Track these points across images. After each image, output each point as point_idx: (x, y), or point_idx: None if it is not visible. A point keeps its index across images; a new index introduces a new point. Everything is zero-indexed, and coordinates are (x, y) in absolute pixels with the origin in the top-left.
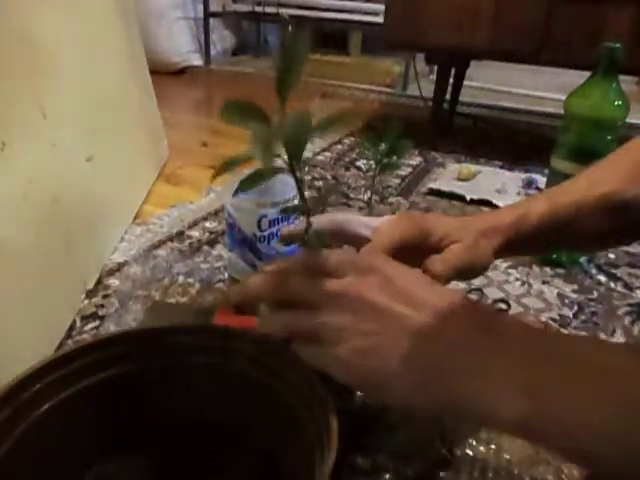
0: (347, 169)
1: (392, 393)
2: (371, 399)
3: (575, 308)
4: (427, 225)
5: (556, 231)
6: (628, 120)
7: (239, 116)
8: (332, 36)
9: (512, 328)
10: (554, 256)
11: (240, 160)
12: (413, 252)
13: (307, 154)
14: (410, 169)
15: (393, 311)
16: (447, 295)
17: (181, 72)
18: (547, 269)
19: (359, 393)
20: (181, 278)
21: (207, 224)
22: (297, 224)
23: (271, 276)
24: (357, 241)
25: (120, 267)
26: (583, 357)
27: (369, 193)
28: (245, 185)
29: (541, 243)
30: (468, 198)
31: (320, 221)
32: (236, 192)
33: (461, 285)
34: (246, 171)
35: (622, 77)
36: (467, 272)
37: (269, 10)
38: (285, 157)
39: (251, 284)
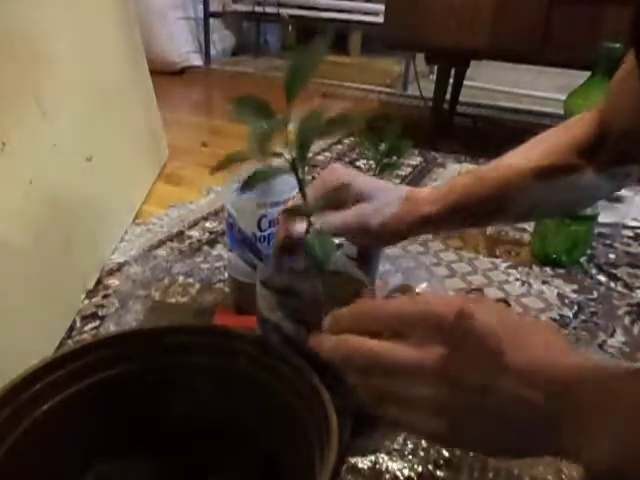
0: None
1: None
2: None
3: (575, 308)
4: (366, 217)
5: (477, 206)
6: None
7: (248, 111)
8: (332, 36)
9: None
10: (554, 256)
11: (240, 157)
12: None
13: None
14: (410, 169)
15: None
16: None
17: (181, 72)
18: (547, 269)
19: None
20: (181, 278)
21: (207, 224)
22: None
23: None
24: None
25: (120, 267)
26: None
27: None
28: (248, 185)
29: (463, 217)
30: None
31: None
32: (239, 192)
33: (461, 285)
34: (246, 169)
35: None
36: (362, 234)
37: (269, 10)
38: (287, 156)
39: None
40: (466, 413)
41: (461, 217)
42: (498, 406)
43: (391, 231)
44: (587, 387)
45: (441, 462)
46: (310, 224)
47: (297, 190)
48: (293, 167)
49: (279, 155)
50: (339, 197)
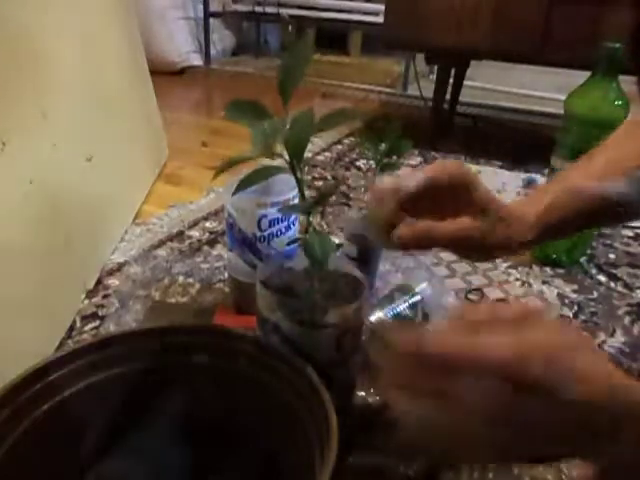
0: (347, 169)
1: None
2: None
3: (575, 308)
4: (466, 180)
5: (583, 215)
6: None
7: (243, 114)
8: (332, 36)
9: None
10: (554, 256)
11: (240, 159)
12: (445, 201)
13: (307, 154)
14: (410, 169)
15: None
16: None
17: (181, 72)
18: (547, 269)
19: (360, 393)
20: (181, 278)
21: (207, 224)
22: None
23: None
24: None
25: (120, 267)
26: None
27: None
28: (245, 184)
29: (569, 229)
30: None
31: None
32: (235, 191)
33: (461, 285)
34: (246, 171)
35: (622, 77)
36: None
37: (269, 10)
38: (286, 156)
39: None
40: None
41: (577, 226)
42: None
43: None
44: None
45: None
46: (309, 224)
47: (297, 190)
48: (291, 167)
49: (278, 155)
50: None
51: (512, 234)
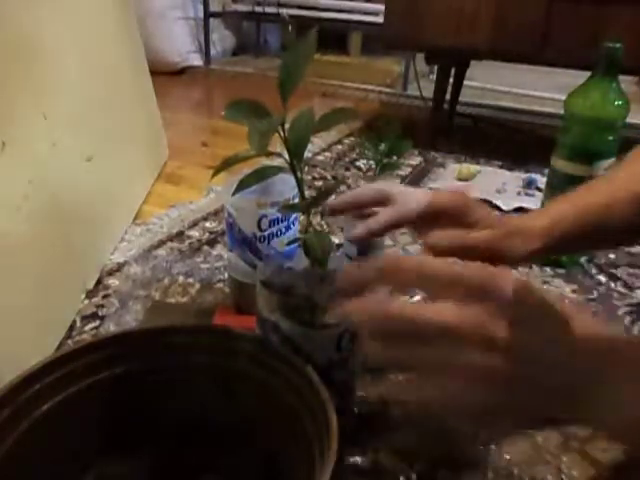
0: (347, 169)
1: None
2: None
3: None
4: (467, 203)
5: (587, 233)
6: (628, 120)
7: (242, 114)
8: (332, 36)
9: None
10: (554, 256)
11: (239, 158)
12: (448, 224)
13: (307, 154)
14: (410, 169)
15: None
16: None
17: (181, 72)
18: (547, 269)
19: (360, 393)
20: (181, 278)
21: (207, 224)
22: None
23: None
24: (406, 216)
25: (120, 267)
26: None
27: None
28: (245, 184)
29: (573, 246)
30: None
31: (365, 190)
32: (235, 191)
33: None
34: (246, 170)
35: (622, 77)
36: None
37: (269, 10)
38: (286, 156)
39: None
40: (518, 381)
41: (575, 245)
42: (554, 375)
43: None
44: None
45: (441, 462)
46: (309, 223)
47: (297, 190)
48: (291, 167)
49: (277, 155)
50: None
51: (521, 245)
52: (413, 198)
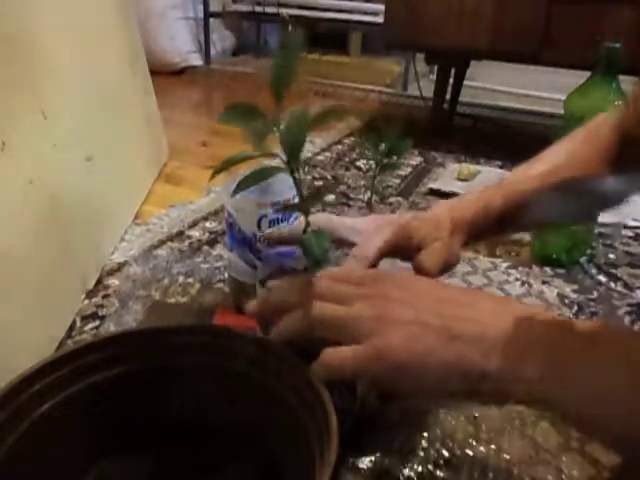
0: (347, 169)
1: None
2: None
3: (575, 308)
4: (408, 229)
5: (515, 218)
6: None
7: (237, 116)
8: (332, 36)
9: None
10: (554, 256)
11: (238, 159)
12: (397, 254)
13: (307, 154)
14: (410, 169)
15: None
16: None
17: (181, 72)
18: (547, 269)
19: (360, 393)
20: (181, 278)
21: (207, 224)
22: (282, 228)
23: (295, 284)
24: (342, 244)
25: (120, 267)
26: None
27: (369, 193)
28: (244, 184)
29: (500, 230)
30: None
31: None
32: (235, 192)
33: (461, 285)
34: (245, 171)
35: (622, 77)
36: (446, 267)
37: (269, 10)
38: (283, 157)
39: (273, 293)
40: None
41: (499, 230)
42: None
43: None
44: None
45: (441, 462)
46: (308, 223)
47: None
48: (289, 167)
49: (275, 155)
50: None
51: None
52: (368, 242)
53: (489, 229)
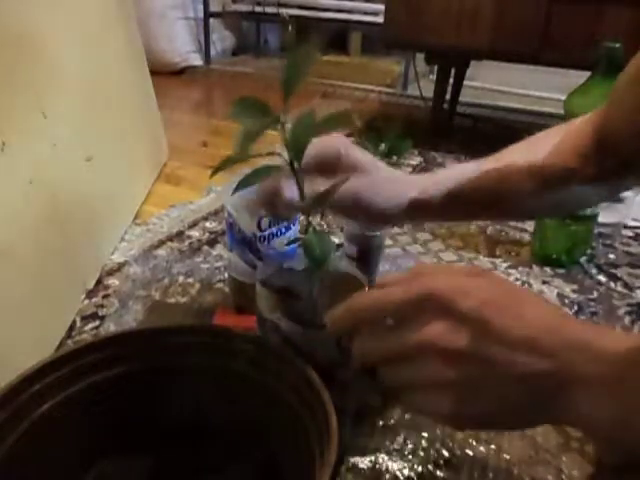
0: None
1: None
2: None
3: (575, 308)
4: (339, 150)
5: (482, 197)
6: None
7: (247, 112)
8: (332, 36)
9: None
10: (554, 256)
11: (238, 158)
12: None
13: None
14: (410, 169)
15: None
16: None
17: (181, 72)
18: (547, 269)
19: (360, 392)
20: (181, 278)
21: (207, 224)
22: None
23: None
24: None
25: (120, 267)
26: None
27: None
28: (244, 183)
29: (455, 206)
30: None
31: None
32: (235, 190)
33: None
34: (246, 170)
35: None
36: (353, 207)
37: (269, 10)
38: (286, 156)
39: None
40: (468, 387)
41: (453, 206)
42: (496, 376)
43: (378, 211)
44: (588, 355)
45: (441, 462)
46: (309, 223)
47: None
48: (291, 167)
49: (277, 154)
50: (331, 163)
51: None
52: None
53: (455, 203)
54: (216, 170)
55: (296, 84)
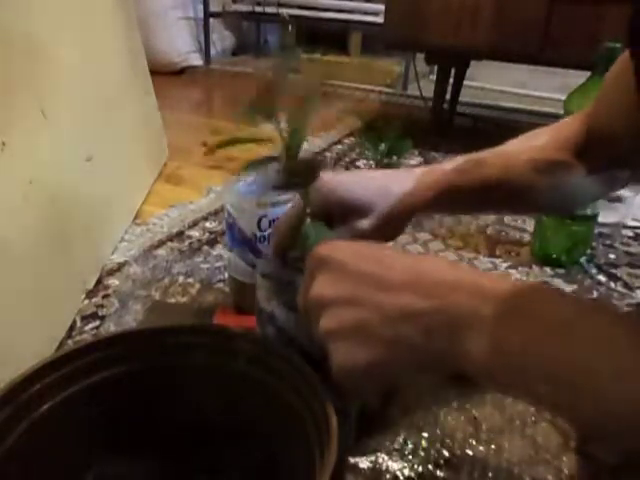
0: (347, 169)
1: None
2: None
3: None
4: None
5: (485, 190)
6: None
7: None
8: (332, 36)
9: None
10: (554, 256)
11: (243, 139)
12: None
13: (307, 154)
14: None
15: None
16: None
17: (181, 72)
18: (547, 269)
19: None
20: (181, 278)
21: (207, 224)
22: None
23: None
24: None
25: (120, 267)
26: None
27: None
28: (251, 168)
29: (468, 202)
30: None
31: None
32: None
33: None
34: (245, 176)
35: None
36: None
37: (269, 10)
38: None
39: None
40: (366, 331)
41: (452, 200)
42: (388, 318)
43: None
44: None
45: (441, 462)
46: (307, 202)
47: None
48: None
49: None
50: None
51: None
52: None
53: (455, 197)
54: (220, 146)
55: (284, 85)
